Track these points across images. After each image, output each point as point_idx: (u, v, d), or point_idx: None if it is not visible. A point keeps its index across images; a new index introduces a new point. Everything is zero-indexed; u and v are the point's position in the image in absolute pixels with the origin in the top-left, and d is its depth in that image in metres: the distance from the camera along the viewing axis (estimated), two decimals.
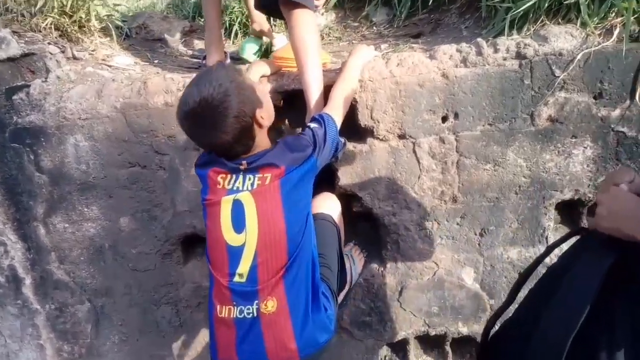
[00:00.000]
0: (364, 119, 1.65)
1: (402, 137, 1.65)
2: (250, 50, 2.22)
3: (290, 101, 1.70)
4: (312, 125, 1.36)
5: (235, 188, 1.26)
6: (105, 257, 1.85)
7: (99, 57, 2.06)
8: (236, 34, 2.55)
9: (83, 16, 2.13)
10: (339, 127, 1.43)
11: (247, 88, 1.25)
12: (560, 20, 1.73)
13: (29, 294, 1.92)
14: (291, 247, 1.23)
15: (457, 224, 1.72)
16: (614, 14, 1.61)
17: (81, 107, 1.72)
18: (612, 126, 1.59)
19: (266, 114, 1.31)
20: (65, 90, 1.76)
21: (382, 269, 1.80)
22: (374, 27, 2.43)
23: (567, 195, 1.68)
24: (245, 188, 1.25)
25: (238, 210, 1.24)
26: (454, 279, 1.77)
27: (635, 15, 1.52)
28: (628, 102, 1.57)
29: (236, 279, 1.23)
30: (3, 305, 1.95)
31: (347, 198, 1.76)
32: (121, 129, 1.72)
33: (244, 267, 1.22)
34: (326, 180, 1.69)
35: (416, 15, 2.35)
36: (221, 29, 2.10)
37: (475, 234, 1.73)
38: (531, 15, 1.76)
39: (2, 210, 1.83)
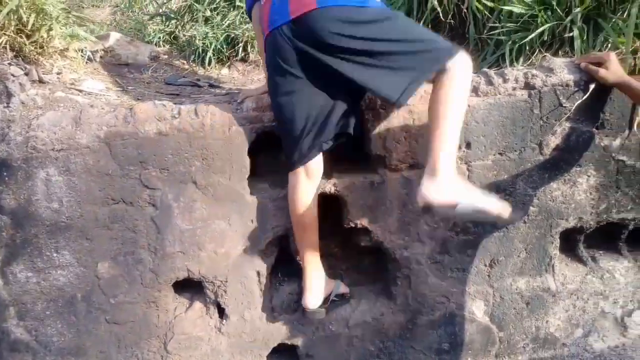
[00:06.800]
0: (375, 149, 1.58)
1: (414, 166, 1.60)
2: None
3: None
4: None
5: None
6: (76, 310, 1.59)
7: (66, 81, 1.84)
8: (210, 61, 2.41)
9: (45, 36, 1.91)
10: None
11: None
12: (555, 52, 1.79)
13: None
14: None
15: (468, 255, 1.68)
16: (607, 48, 1.69)
17: (55, 137, 1.49)
18: (613, 155, 1.64)
19: None
20: (33, 117, 1.53)
21: (392, 306, 1.70)
22: None
23: (572, 223, 1.70)
24: None
25: None
26: (465, 312, 1.71)
27: (632, 49, 1.59)
28: (627, 131, 1.63)
29: None
30: None
31: (354, 233, 1.67)
32: (104, 161, 1.51)
33: None
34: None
35: None
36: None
37: (485, 265, 1.69)
38: (527, 48, 1.81)
39: None
